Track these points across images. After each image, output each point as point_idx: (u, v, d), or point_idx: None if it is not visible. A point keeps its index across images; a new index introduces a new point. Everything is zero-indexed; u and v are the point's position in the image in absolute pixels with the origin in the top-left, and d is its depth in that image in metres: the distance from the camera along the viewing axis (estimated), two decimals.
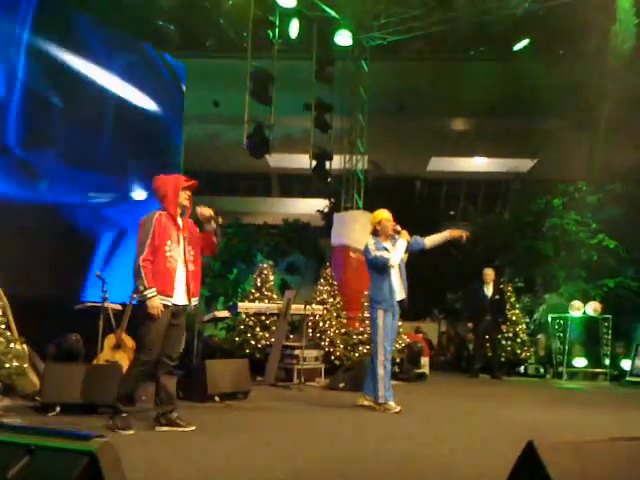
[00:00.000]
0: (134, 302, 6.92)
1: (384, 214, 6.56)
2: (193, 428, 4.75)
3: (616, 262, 12.17)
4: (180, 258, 4.77)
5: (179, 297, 4.78)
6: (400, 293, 6.44)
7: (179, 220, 4.85)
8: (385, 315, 6.30)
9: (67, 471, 1.24)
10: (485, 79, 12.63)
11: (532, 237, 13.07)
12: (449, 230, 6.69)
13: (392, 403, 6.24)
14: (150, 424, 4.80)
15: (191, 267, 4.85)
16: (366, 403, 6.39)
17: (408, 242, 6.47)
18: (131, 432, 4.52)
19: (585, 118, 12.92)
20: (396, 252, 6.36)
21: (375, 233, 6.52)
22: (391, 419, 5.94)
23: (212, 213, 4.89)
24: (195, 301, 4.93)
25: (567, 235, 12.48)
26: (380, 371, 6.27)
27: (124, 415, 4.62)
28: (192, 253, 4.89)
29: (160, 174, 4.97)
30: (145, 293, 4.59)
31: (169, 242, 4.68)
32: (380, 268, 6.35)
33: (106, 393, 5.34)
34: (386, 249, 6.37)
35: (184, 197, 4.85)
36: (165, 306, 4.65)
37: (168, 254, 4.67)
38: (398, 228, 6.51)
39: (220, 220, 4.99)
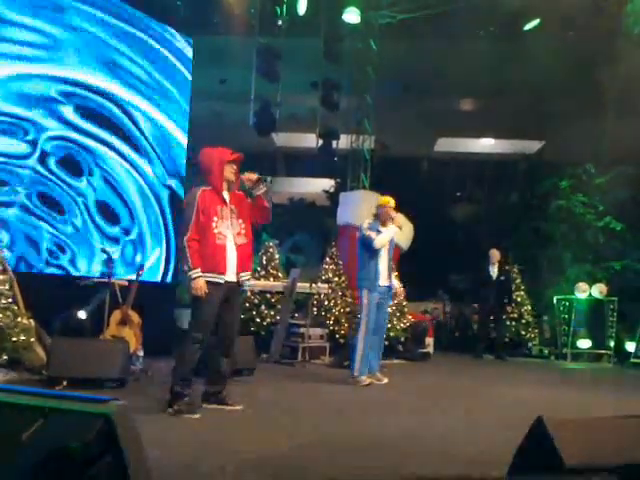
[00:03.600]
0: (140, 278, 6.99)
1: (384, 201, 6.78)
2: (241, 407, 4.71)
3: (622, 245, 12.15)
4: (229, 233, 4.59)
5: (232, 274, 4.60)
6: (385, 278, 6.63)
7: (225, 195, 4.66)
8: (370, 294, 6.50)
9: (82, 434, 1.24)
10: (494, 59, 12.48)
11: (538, 219, 13.03)
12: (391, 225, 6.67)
13: (364, 377, 6.48)
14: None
15: (240, 241, 4.65)
16: (368, 381, 6.52)
17: (400, 228, 6.71)
18: (197, 416, 4.38)
19: (594, 100, 12.78)
20: (383, 236, 6.51)
21: (376, 217, 6.74)
22: (395, 396, 5.97)
23: (259, 176, 4.71)
24: (245, 276, 4.71)
25: (574, 217, 12.43)
26: (360, 345, 6.49)
27: (186, 399, 4.47)
28: (243, 226, 4.70)
29: (205, 147, 4.83)
30: (190, 274, 4.43)
31: (215, 218, 4.51)
32: (366, 248, 6.55)
33: (112, 368, 5.39)
34: (379, 232, 6.54)
35: (230, 171, 4.65)
36: (216, 284, 4.49)
37: (216, 231, 4.49)
38: (393, 215, 6.67)
39: (269, 179, 4.79)
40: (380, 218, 6.65)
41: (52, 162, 8.02)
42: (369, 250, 6.52)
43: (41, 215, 7.83)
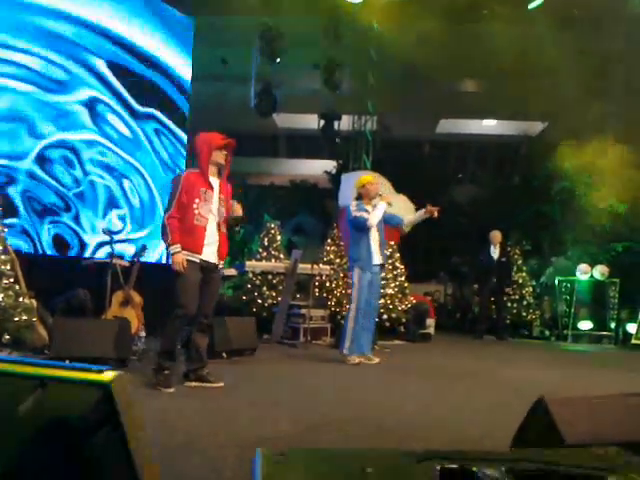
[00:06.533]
0: (141, 259, 6.98)
1: (368, 178, 6.93)
2: (222, 384, 4.76)
3: (625, 226, 12.12)
4: (212, 217, 4.72)
5: (209, 255, 4.72)
6: (378, 256, 6.68)
7: (214, 179, 4.79)
8: (362, 274, 6.55)
9: (80, 404, 1.24)
10: (497, 40, 12.40)
11: (541, 200, 12.99)
12: (424, 209, 6.73)
13: (354, 356, 6.54)
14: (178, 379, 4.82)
15: (223, 229, 4.82)
16: (357, 360, 6.56)
17: (389, 204, 6.71)
18: (171, 390, 4.50)
19: (598, 81, 12.71)
20: (375, 213, 6.60)
21: (359, 197, 6.79)
22: (396, 377, 5.98)
23: (241, 215, 4.88)
24: (221, 264, 4.90)
25: (576, 198, 12.40)
26: (350, 324, 6.57)
27: (166, 372, 4.59)
28: (224, 216, 4.84)
29: (200, 132, 4.90)
30: (170, 249, 4.60)
31: (197, 200, 4.63)
32: (360, 228, 6.60)
33: (114, 348, 5.39)
34: (367, 211, 6.62)
35: (219, 156, 4.78)
36: (192, 262, 4.61)
37: (196, 211, 4.62)
38: (381, 192, 6.83)
39: (238, 228, 5.02)
40: (364, 197, 6.71)
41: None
42: (362, 230, 6.57)
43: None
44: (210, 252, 4.72)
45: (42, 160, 7.90)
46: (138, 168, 9.05)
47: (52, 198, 7.99)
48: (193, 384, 4.76)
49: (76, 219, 8.24)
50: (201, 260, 4.66)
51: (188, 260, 4.59)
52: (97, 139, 8.54)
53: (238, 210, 4.85)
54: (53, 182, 8.00)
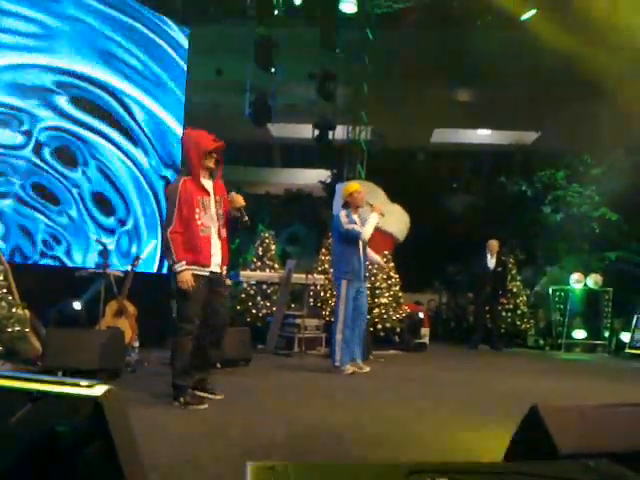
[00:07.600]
0: (136, 269, 6.96)
1: (355, 187, 6.87)
2: (222, 397, 4.69)
3: (618, 235, 12.18)
4: (213, 224, 4.51)
5: (215, 265, 4.54)
6: (364, 268, 6.72)
7: (207, 182, 4.57)
8: (349, 286, 6.56)
9: (70, 418, 1.23)
10: (491, 50, 12.47)
11: (535, 209, 13.05)
12: (372, 213, 6.70)
13: (348, 366, 6.57)
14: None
15: (223, 234, 4.61)
16: (351, 370, 6.59)
17: (382, 215, 6.72)
18: (206, 406, 4.35)
19: (591, 90, 12.77)
20: (367, 226, 6.59)
21: (346, 206, 6.74)
22: (390, 387, 5.97)
23: (243, 205, 4.65)
24: (224, 271, 4.68)
25: (570, 208, 12.45)
26: (338, 336, 6.56)
27: (190, 390, 4.46)
28: (223, 218, 4.63)
29: (188, 128, 4.69)
30: (175, 267, 4.33)
31: (197, 210, 4.41)
32: (352, 241, 6.58)
33: (108, 359, 5.38)
34: (356, 223, 6.62)
35: (210, 161, 4.56)
36: (200, 276, 4.41)
37: (199, 222, 4.40)
38: (370, 202, 6.82)
39: (245, 218, 4.68)
40: (352, 206, 6.69)
41: (47, 153, 7.92)
42: (353, 243, 6.56)
43: (36, 206, 7.76)
44: (216, 262, 4.54)
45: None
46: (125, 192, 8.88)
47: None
48: (198, 394, 4.64)
49: (68, 253, 8.06)
50: (210, 272, 4.49)
51: (197, 275, 4.39)
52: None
53: (239, 200, 4.63)
54: (39, 214, 7.79)
